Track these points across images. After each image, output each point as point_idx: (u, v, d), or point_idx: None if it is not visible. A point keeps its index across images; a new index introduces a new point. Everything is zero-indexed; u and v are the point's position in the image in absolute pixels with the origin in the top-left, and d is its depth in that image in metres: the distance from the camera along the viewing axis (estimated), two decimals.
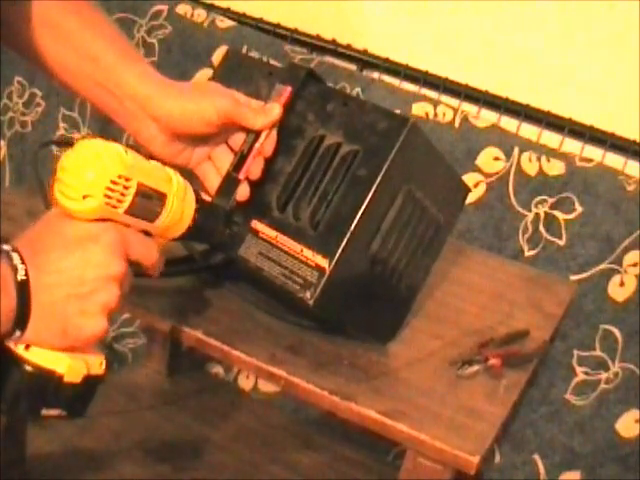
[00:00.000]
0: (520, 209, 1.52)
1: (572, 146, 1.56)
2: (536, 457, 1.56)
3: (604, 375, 1.50)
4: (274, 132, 0.93)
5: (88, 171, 0.69)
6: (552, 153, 1.52)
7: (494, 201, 1.53)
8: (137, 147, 0.81)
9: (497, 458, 1.58)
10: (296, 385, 0.91)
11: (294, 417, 1.65)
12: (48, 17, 0.86)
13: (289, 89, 0.95)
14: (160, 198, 0.75)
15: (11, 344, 0.70)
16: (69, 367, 0.72)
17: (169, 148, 0.91)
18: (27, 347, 0.70)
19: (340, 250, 0.89)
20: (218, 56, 1.69)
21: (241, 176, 0.92)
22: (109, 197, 0.70)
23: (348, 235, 0.89)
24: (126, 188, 0.71)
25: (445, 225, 1.04)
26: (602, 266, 1.48)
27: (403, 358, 1.00)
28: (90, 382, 0.75)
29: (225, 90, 0.91)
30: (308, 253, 0.90)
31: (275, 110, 0.92)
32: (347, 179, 0.91)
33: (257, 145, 0.92)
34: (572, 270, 1.49)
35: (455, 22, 1.63)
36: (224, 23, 1.72)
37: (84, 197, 0.69)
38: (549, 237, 1.51)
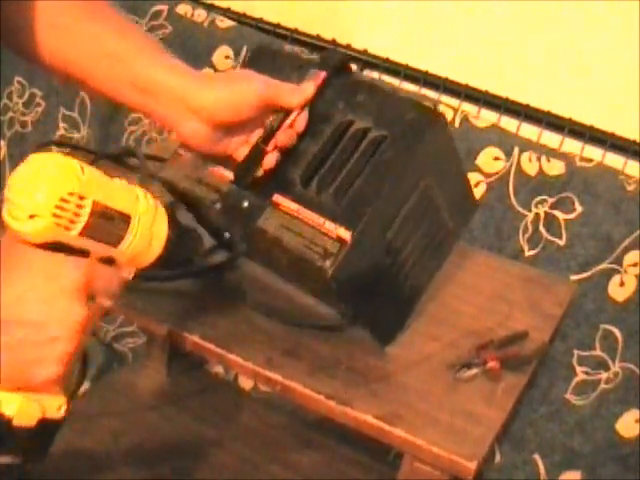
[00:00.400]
0: (520, 209, 1.52)
1: (572, 146, 1.55)
2: (536, 457, 1.56)
3: (604, 375, 1.50)
4: (305, 110, 0.93)
5: (35, 188, 0.62)
6: (552, 153, 1.52)
7: (494, 201, 1.53)
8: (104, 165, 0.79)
9: (497, 458, 1.58)
10: (292, 389, 0.90)
11: (294, 417, 1.64)
12: (69, 22, 0.85)
13: (323, 73, 0.96)
14: (124, 220, 0.68)
15: None
16: (19, 409, 0.65)
17: (209, 139, 0.89)
18: None
19: (363, 223, 0.89)
20: (218, 56, 1.69)
21: (269, 147, 0.92)
22: (59, 217, 0.63)
23: (371, 211, 0.90)
24: (80, 207, 0.64)
25: (453, 233, 1.05)
26: (602, 266, 1.47)
27: (401, 361, 0.99)
28: (47, 426, 0.69)
29: (258, 74, 0.90)
30: (330, 225, 0.90)
31: (309, 88, 0.93)
32: (373, 161, 0.92)
33: (287, 121, 0.92)
34: (572, 270, 1.49)
35: (455, 22, 1.62)
36: (224, 23, 1.72)
37: (31, 217, 0.62)
38: (549, 237, 1.50)
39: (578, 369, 1.51)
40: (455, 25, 1.62)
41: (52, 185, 0.63)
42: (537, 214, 1.51)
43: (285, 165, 0.94)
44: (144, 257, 0.73)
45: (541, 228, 1.51)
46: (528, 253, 1.52)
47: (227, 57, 1.68)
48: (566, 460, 1.54)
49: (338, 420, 0.90)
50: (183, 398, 1.63)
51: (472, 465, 0.85)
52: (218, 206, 0.96)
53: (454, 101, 1.62)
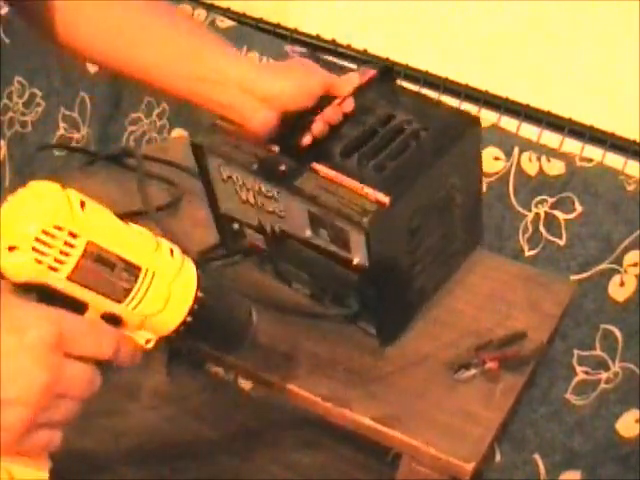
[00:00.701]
0: (520, 209, 1.52)
1: (572, 146, 1.55)
2: (536, 456, 1.56)
3: (604, 375, 1.50)
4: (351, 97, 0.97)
5: (18, 217, 0.54)
6: (552, 153, 1.52)
7: (494, 201, 1.52)
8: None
9: (497, 457, 1.58)
10: (290, 391, 0.90)
11: (294, 417, 1.65)
12: (143, 22, 0.88)
13: (373, 71, 1.01)
14: (130, 271, 0.58)
15: None
16: None
17: (275, 126, 0.91)
18: None
19: (400, 194, 0.92)
20: None
21: (317, 118, 0.94)
22: (41, 253, 0.54)
23: (408, 188, 0.93)
24: (69, 246, 0.55)
25: (461, 251, 1.11)
26: (602, 266, 1.47)
27: (399, 362, 0.99)
28: None
29: (315, 65, 0.94)
30: (369, 190, 0.92)
31: (356, 78, 0.98)
32: (412, 148, 0.97)
33: (336, 101, 0.95)
34: (572, 270, 1.49)
35: (455, 22, 1.62)
36: (224, 23, 1.71)
37: (10, 249, 0.54)
38: (549, 237, 1.50)
39: (578, 369, 1.51)
40: (455, 25, 1.62)
41: (36, 215, 0.54)
42: (537, 214, 1.51)
43: (327, 141, 0.96)
44: (163, 321, 0.62)
45: (541, 228, 1.51)
46: (528, 253, 1.52)
47: None
48: (566, 460, 1.54)
49: (335, 422, 0.90)
50: (183, 398, 1.63)
51: (469, 466, 0.85)
52: (255, 167, 0.97)
53: (454, 101, 1.61)
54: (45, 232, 0.54)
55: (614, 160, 1.52)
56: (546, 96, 1.57)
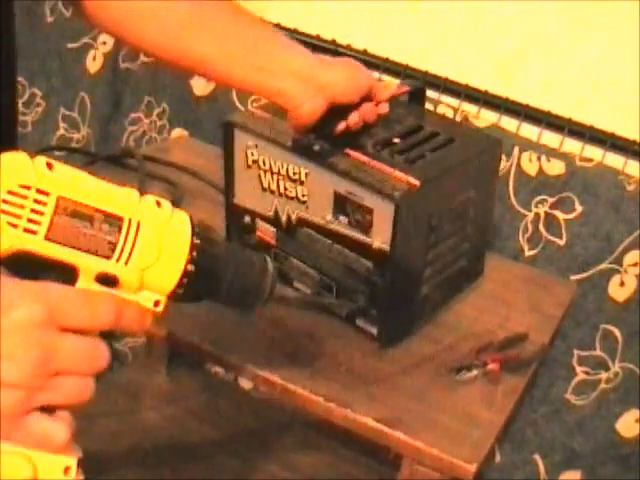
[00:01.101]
0: (520, 209, 1.52)
1: (572, 146, 1.55)
2: (536, 457, 1.56)
3: (604, 375, 1.50)
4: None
5: None
6: (552, 153, 1.52)
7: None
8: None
9: (497, 458, 1.58)
10: (292, 392, 0.90)
11: (294, 417, 1.65)
12: (201, 18, 0.90)
13: (408, 87, 1.09)
14: (112, 222, 0.56)
15: None
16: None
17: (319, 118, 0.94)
18: None
19: (430, 181, 0.97)
20: None
21: (354, 111, 0.99)
22: (11, 214, 0.53)
23: (436, 180, 0.99)
24: (39, 203, 0.53)
25: (465, 273, 1.15)
26: (602, 266, 1.47)
27: (400, 363, 1.00)
28: None
29: (361, 64, 0.99)
30: (400, 174, 0.97)
31: (394, 86, 1.04)
32: (439, 153, 1.04)
33: (373, 102, 1.00)
34: (572, 270, 1.49)
35: (455, 22, 1.62)
36: None
37: None
38: (549, 237, 1.50)
39: (578, 369, 1.51)
40: (455, 25, 1.62)
41: (1, 178, 0.53)
42: (537, 214, 1.51)
43: (359, 135, 1.01)
44: (161, 275, 0.59)
45: (541, 228, 1.51)
46: (528, 253, 1.52)
47: None
48: (566, 460, 1.54)
49: (337, 423, 0.90)
50: (183, 398, 1.63)
51: (472, 467, 0.85)
52: (289, 143, 1.01)
53: (454, 101, 1.61)
54: (11, 192, 0.52)
55: (614, 160, 1.52)
56: (546, 96, 1.57)
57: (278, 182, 1.05)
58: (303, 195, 1.03)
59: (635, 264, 1.45)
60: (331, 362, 0.97)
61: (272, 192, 1.06)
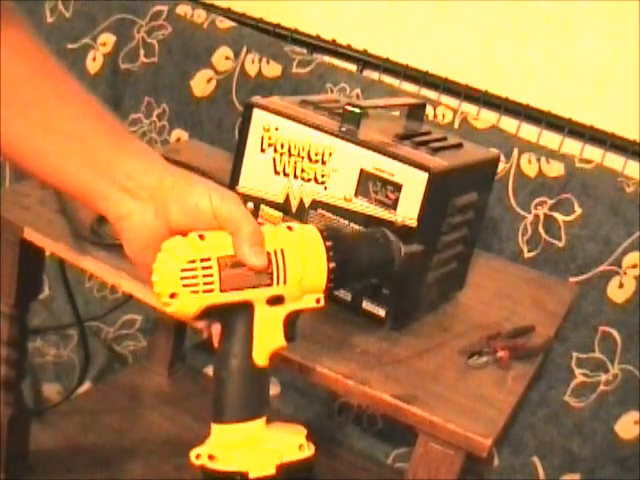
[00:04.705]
0: (520, 210, 1.51)
1: (572, 146, 1.55)
2: (535, 460, 1.56)
3: (603, 377, 1.50)
4: None
5: (162, 273, 0.66)
6: (552, 154, 1.52)
7: (494, 202, 1.52)
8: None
9: (496, 461, 1.57)
10: (311, 369, 0.93)
11: (294, 419, 1.64)
12: (21, 96, 0.71)
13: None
14: None
15: (192, 458, 0.70)
16: (252, 462, 0.69)
17: (155, 242, 0.70)
18: (211, 458, 0.70)
19: (456, 165, 1.03)
20: (218, 57, 1.68)
21: None
22: (191, 285, 0.66)
23: (459, 166, 1.04)
24: (207, 268, 0.67)
25: (451, 280, 1.16)
26: (601, 268, 1.47)
27: (413, 348, 1.02)
28: (291, 470, 0.71)
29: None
30: (426, 155, 1.02)
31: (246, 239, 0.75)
32: (453, 151, 1.09)
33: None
34: (571, 272, 1.49)
35: (455, 23, 1.62)
36: (224, 23, 1.71)
37: (171, 296, 0.66)
38: (548, 239, 1.50)
39: (577, 371, 1.51)
40: (455, 26, 1.62)
41: (173, 263, 0.66)
42: (536, 216, 1.50)
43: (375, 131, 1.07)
44: (313, 280, 0.72)
45: (540, 230, 1.50)
46: (527, 255, 1.51)
47: (227, 58, 1.68)
48: (565, 463, 1.54)
49: (355, 400, 0.91)
50: (183, 399, 1.63)
51: (487, 442, 0.86)
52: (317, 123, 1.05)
53: (454, 101, 1.61)
54: (184, 269, 0.66)
55: (614, 160, 1.52)
56: (546, 96, 1.57)
57: (295, 164, 1.06)
58: (322, 175, 1.04)
59: (634, 266, 1.44)
60: (346, 344, 0.99)
61: (286, 175, 1.07)
